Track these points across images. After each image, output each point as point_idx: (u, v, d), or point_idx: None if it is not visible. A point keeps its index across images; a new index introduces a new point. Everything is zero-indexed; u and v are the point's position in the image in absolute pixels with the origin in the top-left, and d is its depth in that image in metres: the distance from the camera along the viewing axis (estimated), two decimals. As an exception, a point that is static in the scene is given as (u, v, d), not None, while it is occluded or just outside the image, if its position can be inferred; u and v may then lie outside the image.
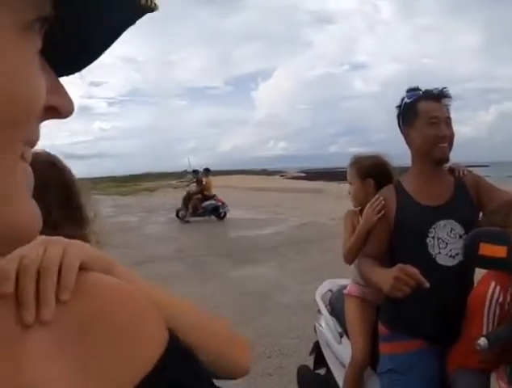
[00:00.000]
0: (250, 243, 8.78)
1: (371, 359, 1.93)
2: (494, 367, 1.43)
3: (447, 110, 1.73)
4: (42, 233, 0.32)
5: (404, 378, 1.67)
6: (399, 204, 1.76)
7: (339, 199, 13.15)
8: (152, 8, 0.32)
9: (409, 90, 1.79)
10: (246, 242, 8.90)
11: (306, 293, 4.48)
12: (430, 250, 1.68)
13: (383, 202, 1.79)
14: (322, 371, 2.46)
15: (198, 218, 12.79)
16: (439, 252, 1.68)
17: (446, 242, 1.68)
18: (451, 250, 1.67)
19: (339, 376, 2.10)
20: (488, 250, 1.28)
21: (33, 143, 0.30)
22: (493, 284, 1.49)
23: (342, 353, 2.11)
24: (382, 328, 1.84)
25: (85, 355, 0.34)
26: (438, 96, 1.73)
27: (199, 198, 12.83)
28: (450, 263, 1.67)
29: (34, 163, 0.30)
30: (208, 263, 7.19)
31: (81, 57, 0.35)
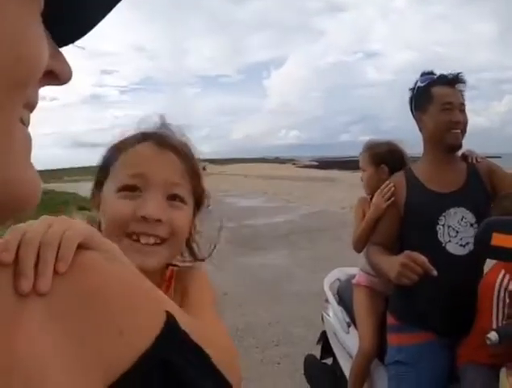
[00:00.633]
0: (261, 231, 8.78)
1: (378, 350, 1.90)
2: (504, 362, 1.40)
3: (462, 96, 1.69)
4: None
5: (412, 370, 1.64)
6: (409, 191, 1.72)
7: (351, 188, 13.06)
8: None
9: (423, 74, 1.75)
10: (257, 230, 8.90)
11: (316, 281, 4.46)
12: (440, 238, 1.63)
13: (393, 189, 1.75)
14: (329, 361, 2.44)
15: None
16: (449, 240, 1.63)
17: (456, 230, 1.63)
18: (461, 239, 1.63)
19: (346, 366, 2.08)
20: (501, 240, 1.22)
21: (32, 107, 0.31)
22: (502, 272, 1.45)
23: (349, 343, 2.09)
24: (390, 319, 1.80)
25: (77, 331, 0.33)
26: (453, 81, 1.68)
27: None
28: (460, 252, 1.62)
29: None
30: (219, 251, 7.19)
31: (76, 27, 0.35)
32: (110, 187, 0.78)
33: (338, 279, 2.44)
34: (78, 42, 0.37)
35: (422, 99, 1.71)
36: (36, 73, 0.28)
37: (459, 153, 1.77)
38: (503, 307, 1.43)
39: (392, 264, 1.50)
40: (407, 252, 1.45)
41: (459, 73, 1.69)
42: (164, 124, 0.85)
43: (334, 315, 2.25)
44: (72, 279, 0.35)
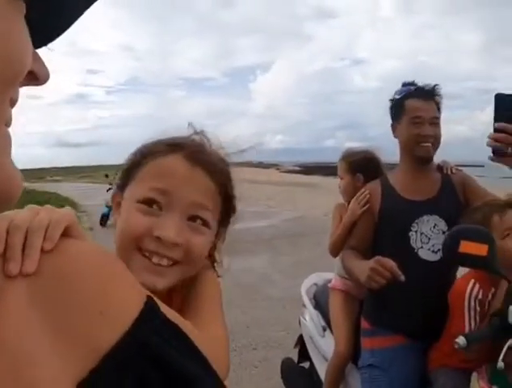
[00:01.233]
0: (243, 235, 8.77)
1: (353, 353, 1.93)
2: (475, 366, 1.43)
3: (437, 109, 1.71)
4: None
5: (384, 374, 1.67)
6: (384, 198, 1.76)
7: (333, 193, 13.09)
8: None
9: (404, 85, 1.78)
10: (239, 235, 8.87)
11: (296, 286, 4.48)
12: (413, 244, 1.68)
13: (368, 196, 1.80)
14: (306, 364, 2.46)
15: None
16: (421, 247, 1.68)
17: (428, 237, 1.67)
18: (433, 246, 1.67)
19: (321, 369, 2.10)
20: (468, 247, 1.25)
21: (13, 104, 0.31)
22: (472, 281, 1.48)
23: (324, 347, 2.11)
24: (364, 323, 1.84)
25: (61, 310, 0.35)
26: (428, 94, 1.71)
27: None
28: (432, 258, 1.67)
29: None
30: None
31: (50, 29, 0.36)
32: (131, 193, 0.72)
33: (315, 283, 2.47)
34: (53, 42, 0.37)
35: (397, 110, 1.74)
36: (23, 73, 0.29)
37: (436, 162, 1.80)
38: (475, 315, 1.45)
39: (363, 268, 1.53)
40: (377, 257, 1.49)
41: (435, 86, 1.71)
42: (201, 133, 0.79)
43: (311, 319, 2.28)
44: (56, 262, 0.37)
